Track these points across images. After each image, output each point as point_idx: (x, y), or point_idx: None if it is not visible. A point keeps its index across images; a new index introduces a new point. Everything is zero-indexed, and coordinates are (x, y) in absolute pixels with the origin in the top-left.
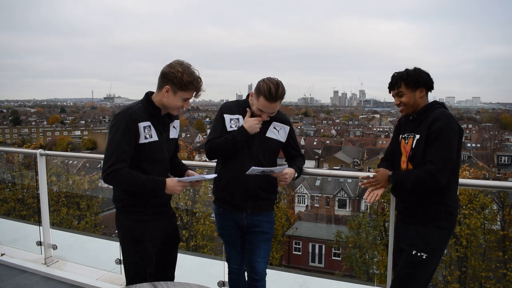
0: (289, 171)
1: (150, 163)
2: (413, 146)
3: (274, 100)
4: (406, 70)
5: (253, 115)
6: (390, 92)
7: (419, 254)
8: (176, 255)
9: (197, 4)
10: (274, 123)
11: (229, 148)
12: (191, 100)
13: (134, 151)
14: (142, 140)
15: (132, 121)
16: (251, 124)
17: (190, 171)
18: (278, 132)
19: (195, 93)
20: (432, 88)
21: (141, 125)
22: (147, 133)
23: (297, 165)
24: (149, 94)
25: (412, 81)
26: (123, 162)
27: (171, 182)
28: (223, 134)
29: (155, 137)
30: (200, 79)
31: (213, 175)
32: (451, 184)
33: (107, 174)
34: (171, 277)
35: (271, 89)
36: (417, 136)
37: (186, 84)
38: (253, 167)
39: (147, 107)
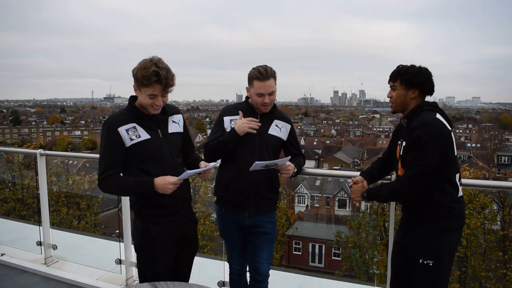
0: (291, 164)
1: (149, 162)
2: (401, 153)
3: (267, 78)
4: (411, 65)
5: (245, 116)
6: (389, 83)
7: (425, 262)
8: (191, 263)
9: (198, 5)
10: (276, 121)
11: (221, 149)
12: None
13: (126, 155)
14: (128, 143)
15: (112, 128)
16: (239, 124)
17: (202, 162)
18: (280, 130)
19: (162, 88)
20: (429, 92)
21: (122, 129)
22: (132, 134)
23: (297, 162)
24: (131, 98)
25: (406, 79)
26: (110, 170)
27: (161, 180)
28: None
29: (145, 136)
30: (158, 73)
31: (212, 164)
32: (444, 186)
33: (98, 184)
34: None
35: (259, 70)
36: (404, 143)
37: (141, 80)
38: (257, 162)
39: (131, 110)
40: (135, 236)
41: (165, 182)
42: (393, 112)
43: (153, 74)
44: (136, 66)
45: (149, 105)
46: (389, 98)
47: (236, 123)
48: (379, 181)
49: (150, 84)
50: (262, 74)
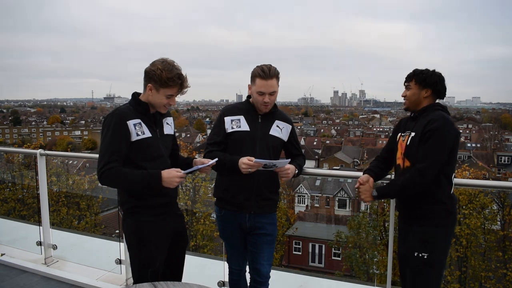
0: (290, 167)
1: (147, 160)
2: (408, 143)
3: (269, 77)
4: (426, 69)
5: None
6: (404, 84)
7: (420, 255)
8: (184, 257)
9: (199, 5)
10: (277, 122)
11: (220, 166)
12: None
13: (128, 150)
14: (134, 138)
15: (120, 121)
16: (241, 165)
17: (196, 159)
18: (281, 131)
19: (179, 89)
20: (441, 95)
21: (131, 122)
22: (139, 130)
23: (298, 163)
24: (135, 94)
25: (421, 79)
26: (114, 162)
27: (168, 173)
28: (221, 137)
29: (148, 134)
30: (181, 75)
31: (213, 161)
32: (443, 182)
33: (100, 176)
34: (178, 280)
35: (263, 68)
36: (413, 134)
37: (166, 81)
38: (255, 160)
39: (135, 106)
40: (127, 235)
41: (172, 176)
42: (406, 109)
43: (177, 77)
44: (155, 67)
45: (163, 106)
46: (402, 97)
47: (242, 161)
48: (378, 181)
49: (174, 85)
50: (265, 73)
